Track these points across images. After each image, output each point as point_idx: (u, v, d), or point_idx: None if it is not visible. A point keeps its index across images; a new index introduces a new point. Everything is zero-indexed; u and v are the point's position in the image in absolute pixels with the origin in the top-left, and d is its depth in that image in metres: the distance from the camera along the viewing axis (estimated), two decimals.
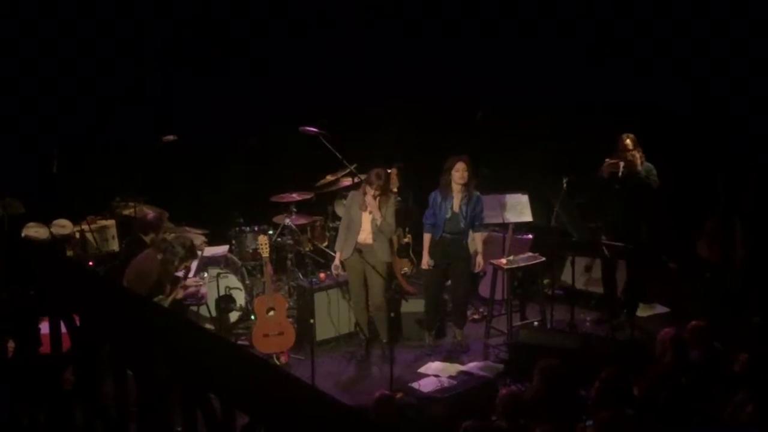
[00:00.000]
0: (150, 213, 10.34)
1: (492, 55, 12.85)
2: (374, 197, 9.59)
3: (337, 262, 9.99)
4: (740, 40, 11.37)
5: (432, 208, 9.97)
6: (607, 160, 10.25)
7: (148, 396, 3.15)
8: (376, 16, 13.47)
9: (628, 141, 10.21)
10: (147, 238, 9.57)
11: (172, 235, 9.67)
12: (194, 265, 10.09)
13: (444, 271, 10.11)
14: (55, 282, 3.47)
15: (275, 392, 2.80)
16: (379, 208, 9.63)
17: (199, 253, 10.28)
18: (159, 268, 8.92)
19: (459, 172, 9.79)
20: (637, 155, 10.19)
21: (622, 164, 10.11)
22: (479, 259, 10.08)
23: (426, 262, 10.03)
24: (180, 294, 9.07)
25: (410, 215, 11.33)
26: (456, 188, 9.85)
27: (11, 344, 3.70)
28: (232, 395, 2.91)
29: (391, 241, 9.91)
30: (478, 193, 10.03)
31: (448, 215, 9.88)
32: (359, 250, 9.71)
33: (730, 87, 11.47)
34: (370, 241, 9.75)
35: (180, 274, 9.40)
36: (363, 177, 10.54)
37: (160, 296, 8.87)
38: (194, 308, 10.05)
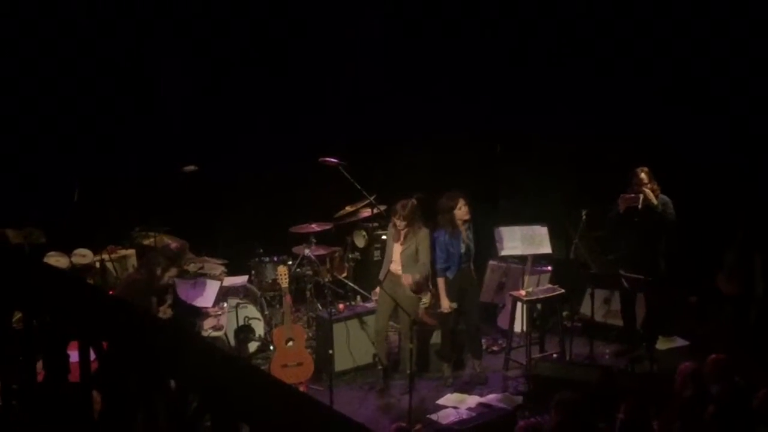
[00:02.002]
0: (172, 243, 10.39)
1: (511, 88, 12.90)
2: (401, 228, 9.65)
3: (377, 289, 10.07)
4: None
5: (444, 250, 9.90)
6: (622, 195, 10.27)
7: (178, 425, 3.17)
8: (397, 49, 13.53)
9: (642, 175, 10.23)
10: None
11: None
12: (214, 294, 10.13)
13: (459, 300, 10.10)
14: (83, 310, 3.50)
15: (304, 420, 2.82)
16: (406, 238, 9.68)
17: (218, 283, 10.33)
18: (143, 284, 8.93)
19: (462, 210, 9.85)
20: (653, 188, 10.21)
21: (641, 197, 10.13)
22: None
23: (448, 306, 9.96)
24: (169, 313, 9.07)
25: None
26: (460, 223, 9.89)
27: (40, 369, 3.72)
28: (260, 423, 2.92)
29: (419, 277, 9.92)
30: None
31: (463, 250, 9.93)
32: (389, 279, 9.77)
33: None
34: (398, 271, 9.82)
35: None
36: (382, 208, 10.63)
37: None
38: (214, 337, 10.09)
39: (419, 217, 9.87)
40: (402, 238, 9.79)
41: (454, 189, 10.01)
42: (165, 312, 9.05)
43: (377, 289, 10.07)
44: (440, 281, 9.96)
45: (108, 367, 3.43)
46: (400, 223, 9.70)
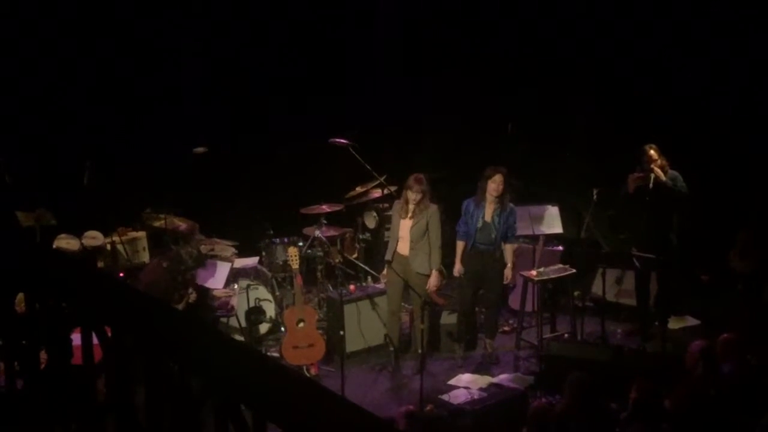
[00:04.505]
0: (182, 224, 10.39)
1: (523, 68, 12.85)
2: (414, 201, 9.59)
3: (385, 271, 10.03)
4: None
5: (464, 215, 9.95)
6: (631, 175, 10.22)
7: (181, 409, 3.16)
8: (409, 30, 13.49)
9: (651, 152, 10.17)
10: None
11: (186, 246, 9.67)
12: (224, 275, 10.13)
13: (477, 282, 10.07)
14: (87, 293, 3.48)
15: (308, 405, 2.80)
16: (415, 214, 9.63)
17: (228, 264, 10.32)
18: (166, 276, 8.98)
19: (495, 184, 9.74)
20: (662, 164, 10.15)
21: (652, 176, 10.07)
22: (507, 271, 10.00)
23: (458, 270, 10.01)
24: (192, 298, 9.10)
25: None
26: (489, 198, 9.81)
27: (43, 355, 3.71)
28: (264, 408, 2.90)
29: (429, 254, 9.82)
30: (512, 205, 9.98)
31: (479, 225, 9.84)
32: (390, 261, 9.72)
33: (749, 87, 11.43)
34: (405, 251, 9.75)
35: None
36: (393, 189, 10.58)
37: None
38: (224, 320, 10.09)
39: (430, 193, 9.81)
40: (411, 213, 9.71)
41: (499, 165, 9.91)
42: (189, 297, 9.10)
43: (385, 271, 10.03)
44: (459, 244, 10.02)
45: (112, 352, 3.41)
46: (415, 196, 9.60)
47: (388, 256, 9.95)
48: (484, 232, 9.87)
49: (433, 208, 9.79)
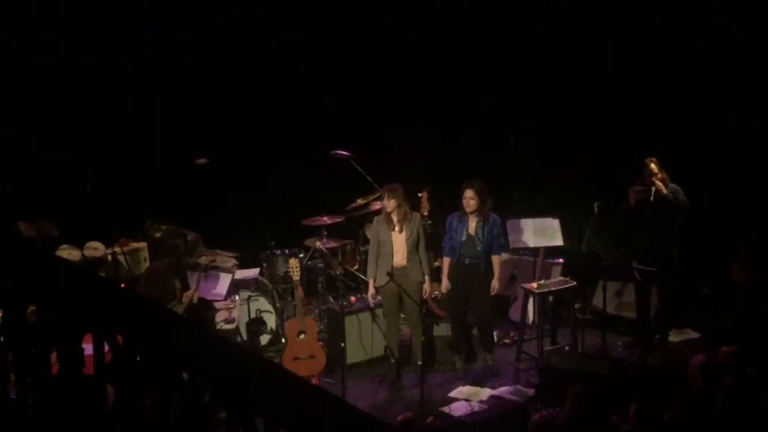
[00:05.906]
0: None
1: (524, 79, 12.85)
2: (391, 210, 9.66)
3: (371, 290, 10.01)
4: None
5: (449, 231, 9.98)
6: (632, 188, 10.24)
7: (191, 416, 3.17)
8: (408, 38, 13.51)
9: (653, 165, 10.21)
10: None
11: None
12: (225, 287, 10.14)
13: (466, 294, 10.08)
14: (98, 303, 3.50)
15: (317, 411, 2.82)
16: (404, 226, 9.69)
17: (230, 275, 10.33)
18: (168, 269, 9.00)
19: (465, 200, 9.79)
20: (663, 178, 10.18)
21: (653, 189, 10.10)
22: (494, 283, 9.98)
23: (445, 285, 10.05)
24: (196, 298, 9.13)
25: (441, 239, 11.33)
26: (469, 212, 9.85)
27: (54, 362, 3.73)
28: (274, 414, 2.92)
29: (421, 261, 9.87)
30: (495, 216, 9.99)
31: (464, 238, 9.86)
32: (392, 274, 9.72)
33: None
34: (404, 262, 9.77)
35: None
36: None
37: (173, 303, 8.92)
38: (225, 330, 10.10)
39: (408, 203, 9.87)
40: (400, 227, 9.76)
41: (475, 180, 9.94)
42: (193, 297, 9.12)
43: (372, 291, 10.00)
44: (444, 260, 10.05)
45: (121, 360, 3.43)
46: (390, 204, 9.66)
47: (375, 274, 9.91)
48: (469, 246, 9.88)
49: (417, 217, 9.94)
